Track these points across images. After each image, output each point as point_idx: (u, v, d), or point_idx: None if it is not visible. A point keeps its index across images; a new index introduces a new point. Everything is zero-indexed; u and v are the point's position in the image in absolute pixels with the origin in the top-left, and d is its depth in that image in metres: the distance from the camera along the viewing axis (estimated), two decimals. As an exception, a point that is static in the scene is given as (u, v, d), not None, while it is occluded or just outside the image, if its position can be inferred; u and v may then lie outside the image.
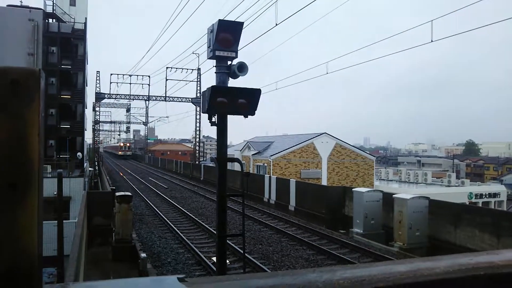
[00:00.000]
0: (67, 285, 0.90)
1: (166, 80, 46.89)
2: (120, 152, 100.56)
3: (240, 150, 49.27)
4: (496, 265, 1.13)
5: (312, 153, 42.65)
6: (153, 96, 49.67)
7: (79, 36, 40.98)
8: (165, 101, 48.84)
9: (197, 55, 43.22)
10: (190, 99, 48.94)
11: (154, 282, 0.98)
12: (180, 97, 49.20)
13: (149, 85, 49.08)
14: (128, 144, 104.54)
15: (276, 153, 41.66)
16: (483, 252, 1.28)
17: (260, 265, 11.99)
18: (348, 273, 1.07)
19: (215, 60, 6.09)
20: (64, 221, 18.79)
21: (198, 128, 57.27)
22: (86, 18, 41.81)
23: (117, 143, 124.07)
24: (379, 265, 1.16)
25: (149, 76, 49.05)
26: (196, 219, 18.90)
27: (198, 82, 50.65)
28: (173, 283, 0.97)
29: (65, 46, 39.69)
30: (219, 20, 5.79)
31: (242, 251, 12.65)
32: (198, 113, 53.53)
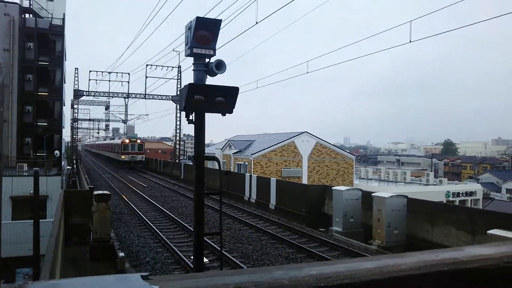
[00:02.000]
0: (26, 284, 0.88)
1: (146, 77, 46.41)
2: (123, 157, 55.11)
3: (221, 149, 49.18)
4: (460, 261, 1.15)
5: (293, 152, 42.85)
6: (132, 93, 49.12)
7: (57, 32, 40.23)
8: (145, 98, 48.33)
9: (178, 52, 42.87)
10: (170, 97, 48.55)
11: (117, 280, 0.96)
12: (160, 95, 48.75)
13: (128, 82, 48.46)
14: (138, 141, 57.41)
15: (257, 152, 41.72)
16: (449, 249, 1.30)
17: (239, 263, 11.99)
18: (315, 270, 1.08)
19: (193, 58, 6.04)
20: (40, 220, 18.51)
21: (178, 126, 56.95)
22: (64, 14, 41.09)
23: (114, 138, 77.36)
24: (346, 262, 1.17)
25: (128, 74, 48.46)
26: (176, 218, 18.79)
27: (179, 80, 50.33)
28: (137, 281, 0.96)
29: (42, 42, 38.93)
30: (197, 17, 5.73)
31: (223, 251, 12.61)
32: (178, 111, 53.16)
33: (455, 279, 1.12)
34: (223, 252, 11.34)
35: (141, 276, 0.98)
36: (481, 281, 1.15)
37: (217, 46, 5.94)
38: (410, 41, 13.52)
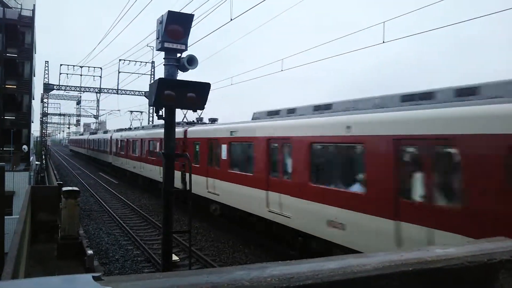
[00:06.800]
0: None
1: (119, 72, 45.66)
2: None
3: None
4: (424, 261, 1.14)
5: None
6: (104, 88, 48.19)
7: (27, 23, 39.12)
8: (117, 94, 47.55)
9: (151, 47, 42.23)
10: (143, 92, 47.91)
11: (65, 282, 0.90)
12: (133, 91, 48.06)
13: (100, 77, 47.54)
14: None
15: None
16: (415, 249, 1.29)
17: (211, 262, 11.93)
18: (278, 271, 1.04)
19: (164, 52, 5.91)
20: (6, 216, 17.93)
21: (151, 123, 56.23)
22: (34, 5, 40.00)
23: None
24: (310, 262, 1.14)
25: (101, 68, 47.54)
26: (146, 215, 18.55)
27: (152, 76, 49.70)
28: (87, 282, 0.90)
29: (11, 33, 37.75)
30: (169, 11, 5.57)
31: (194, 249, 12.49)
32: (151, 107, 52.44)
33: (419, 279, 1.11)
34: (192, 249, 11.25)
35: (93, 276, 0.93)
36: (445, 281, 1.14)
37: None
38: (384, 42, 13.64)
